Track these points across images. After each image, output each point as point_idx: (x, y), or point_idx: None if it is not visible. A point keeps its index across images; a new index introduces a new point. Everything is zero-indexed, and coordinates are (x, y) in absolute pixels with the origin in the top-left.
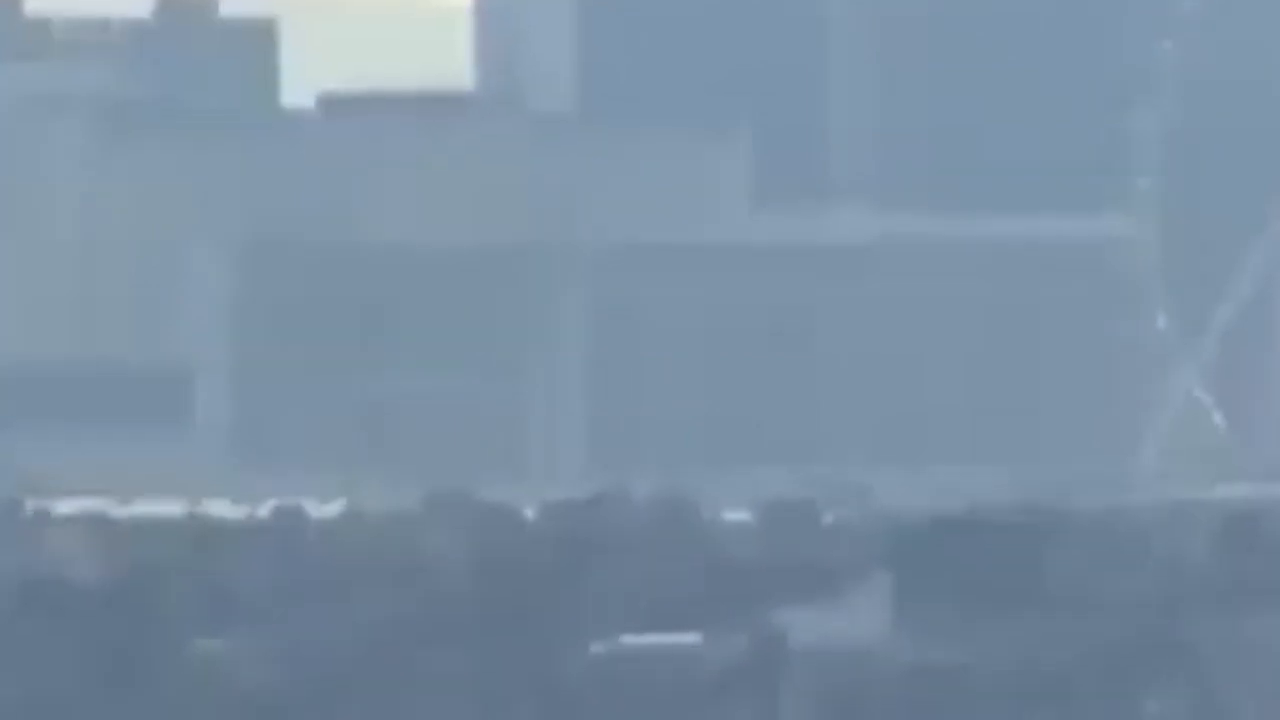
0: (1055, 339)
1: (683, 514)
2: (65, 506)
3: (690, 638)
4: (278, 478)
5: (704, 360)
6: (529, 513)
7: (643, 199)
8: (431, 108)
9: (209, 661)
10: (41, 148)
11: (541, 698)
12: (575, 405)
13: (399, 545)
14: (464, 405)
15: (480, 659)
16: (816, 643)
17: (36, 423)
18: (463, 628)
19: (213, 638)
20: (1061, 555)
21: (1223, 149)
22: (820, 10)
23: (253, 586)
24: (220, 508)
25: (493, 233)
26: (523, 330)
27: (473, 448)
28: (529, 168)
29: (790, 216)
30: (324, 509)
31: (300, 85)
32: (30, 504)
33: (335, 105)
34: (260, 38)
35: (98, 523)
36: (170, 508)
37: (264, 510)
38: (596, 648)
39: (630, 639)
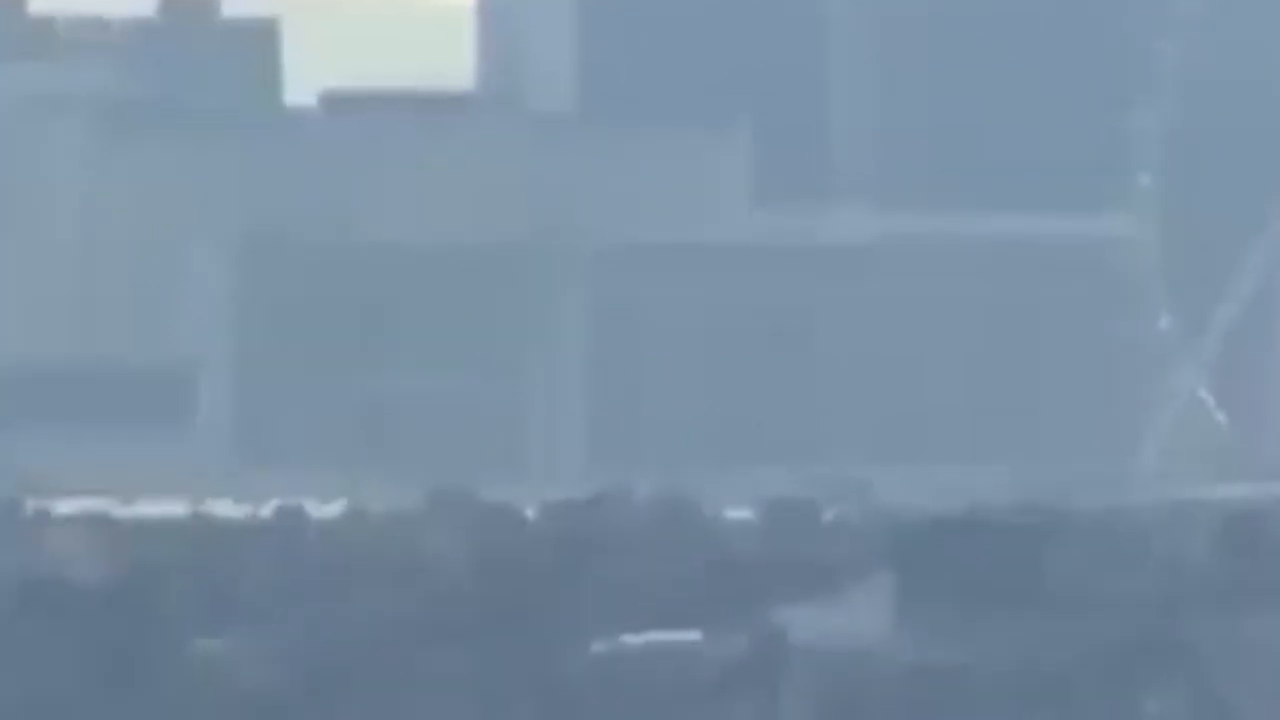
0: (1056, 339)
1: (683, 513)
2: (66, 506)
3: (691, 636)
4: (278, 477)
5: (704, 360)
6: (529, 512)
7: (643, 198)
8: (433, 107)
9: (210, 661)
10: (43, 147)
11: (542, 697)
12: (575, 404)
13: (400, 545)
14: (465, 404)
15: (481, 658)
16: (817, 641)
17: (37, 422)
18: (463, 627)
19: (214, 638)
20: (1062, 555)
21: (1223, 148)
22: (820, 10)
23: (254, 586)
24: (221, 507)
25: (494, 232)
26: (523, 329)
27: (473, 447)
28: (530, 167)
29: (790, 216)
30: (325, 509)
31: (302, 85)
32: (30, 504)
33: (336, 104)
34: (262, 37)
35: (98, 523)
36: (171, 508)
37: (265, 510)
38: (597, 646)
39: (631, 638)
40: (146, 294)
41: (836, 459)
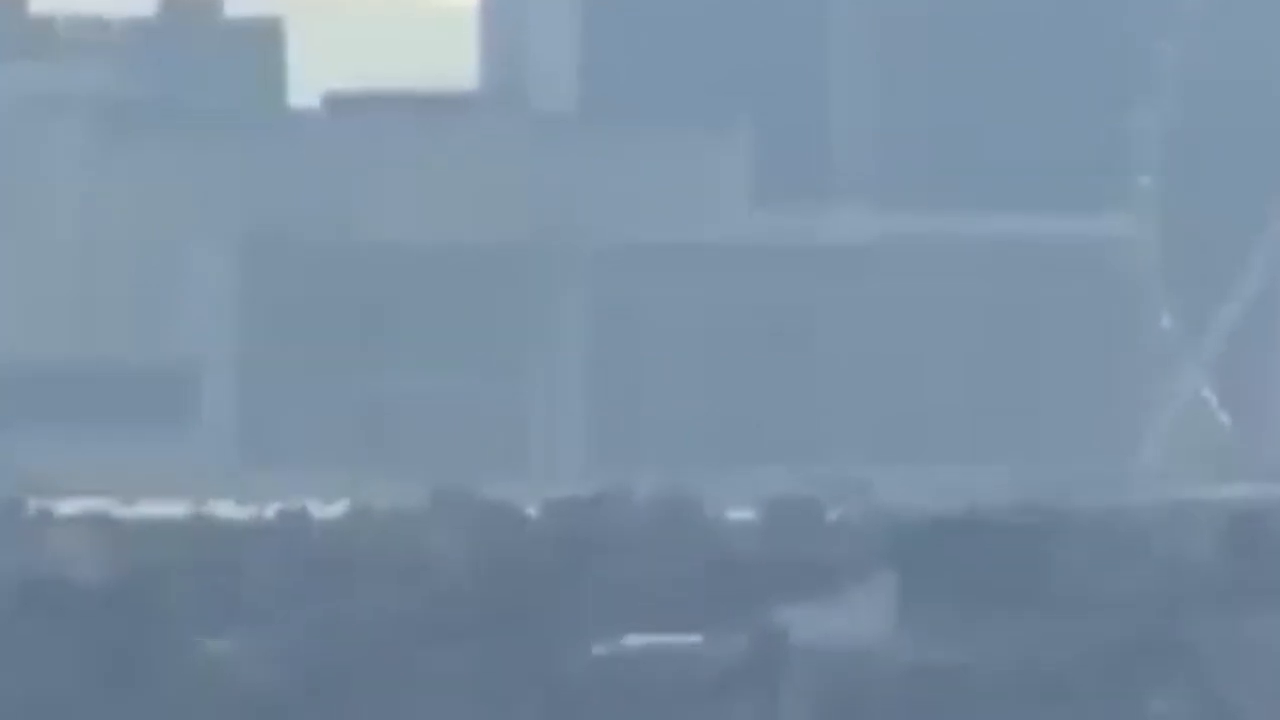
0: (1056, 338)
1: (684, 513)
2: (67, 507)
3: (691, 637)
4: (280, 477)
5: (704, 359)
6: (530, 511)
7: (643, 198)
8: (435, 107)
9: (212, 662)
10: (45, 147)
11: (543, 696)
12: (576, 404)
13: (402, 544)
14: (466, 404)
15: (482, 658)
16: (818, 641)
17: (38, 422)
18: (464, 627)
19: (216, 638)
20: (1063, 555)
21: (1223, 148)
22: (821, 10)
23: (256, 587)
24: (223, 508)
25: (494, 231)
26: (524, 329)
27: (474, 447)
28: (531, 167)
29: (790, 216)
30: (327, 509)
31: (305, 85)
32: (32, 504)
33: (340, 104)
34: (264, 37)
35: (100, 523)
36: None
37: (268, 510)
38: (598, 646)
39: (631, 638)
40: (148, 294)
41: (837, 459)
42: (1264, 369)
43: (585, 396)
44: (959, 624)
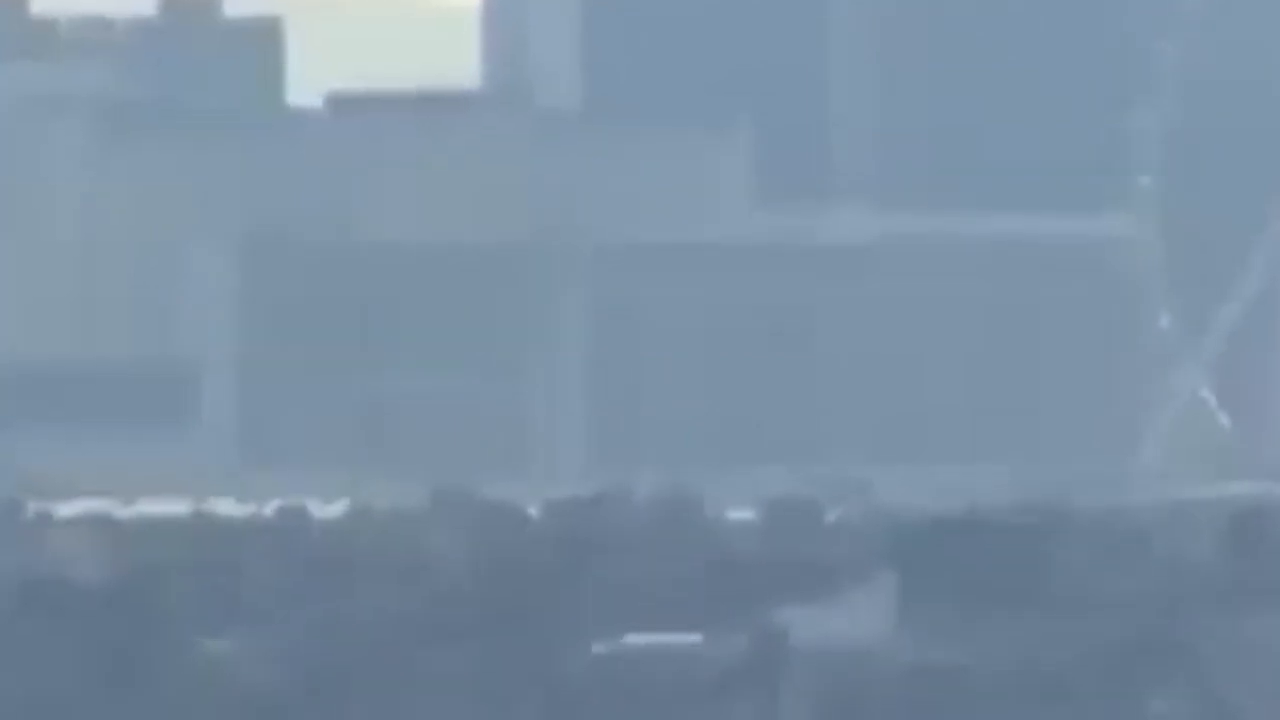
0: (1056, 338)
1: (684, 512)
2: (67, 507)
3: (691, 636)
4: (280, 477)
5: (705, 359)
6: (531, 511)
7: (644, 198)
8: (436, 106)
9: (213, 661)
10: (45, 147)
11: (543, 696)
12: (576, 404)
13: (402, 544)
14: (466, 404)
15: (482, 657)
16: (817, 642)
17: (38, 423)
18: (465, 626)
19: (216, 638)
20: (1063, 555)
21: (1223, 148)
22: (821, 10)
23: (256, 586)
24: (224, 507)
25: (496, 231)
26: (525, 328)
27: (475, 446)
28: (533, 166)
29: (791, 215)
30: (327, 508)
31: (305, 84)
32: (32, 504)
33: (341, 104)
34: (265, 37)
35: (100, 523)
36: (173, 508)
37: (268, 510)
38: (598, 646)
39: (631, 637)
40: (148, 294)
41: (837, 459)
42: (1264, 369)
43: (585, 396)
44: (959, 624)
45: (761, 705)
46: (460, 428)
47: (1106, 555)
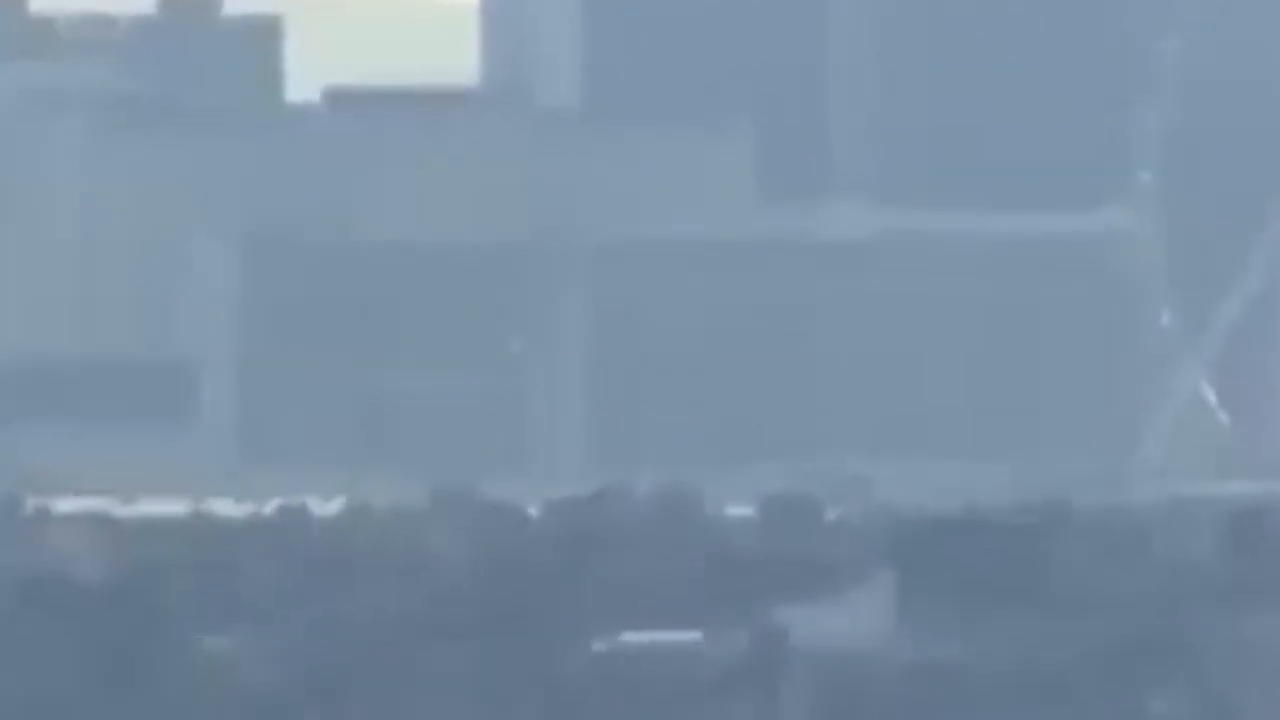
0: (1056, 335)
1: (684, 510)
2: (66, 505)
3: (691, 635)
4: (280, 475)
5: (705, 356)
6: (531, 509)
7: (644, 195)
8: (436, 104)
9: (212, 660)
10: (45, 144)
11: (543, 694)
12: (576, 401)
13: (402, 542)
14: (466, 402)
15: (482, 656)
16: (817, 640)
17: (38, 420)
18: (464, 625)
19: (216, 636)
20: (1063, 553)
21: (1223, 147)
22: (821, 7)
23: (256, 585)
24: (223, 505)
25: (496, 229)
26: (525, 326)
27: (475, 444)
28: (533, 164)
29: (791, 213)
30: (327, 506)
31: (305, 82)
32: (31, 502)
33: (340, 101)
34: (264, 34)
35: (99, 521)
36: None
37: (267, 508)
38: (597, 644)
39: (631, 635)
40: (148, 291)
41: (837, 456)
42: (1264, 367)
43: (585, 394)
44: (958, 622)
45: (761, 703)
46: (460, 426)
47: (1106, 553)
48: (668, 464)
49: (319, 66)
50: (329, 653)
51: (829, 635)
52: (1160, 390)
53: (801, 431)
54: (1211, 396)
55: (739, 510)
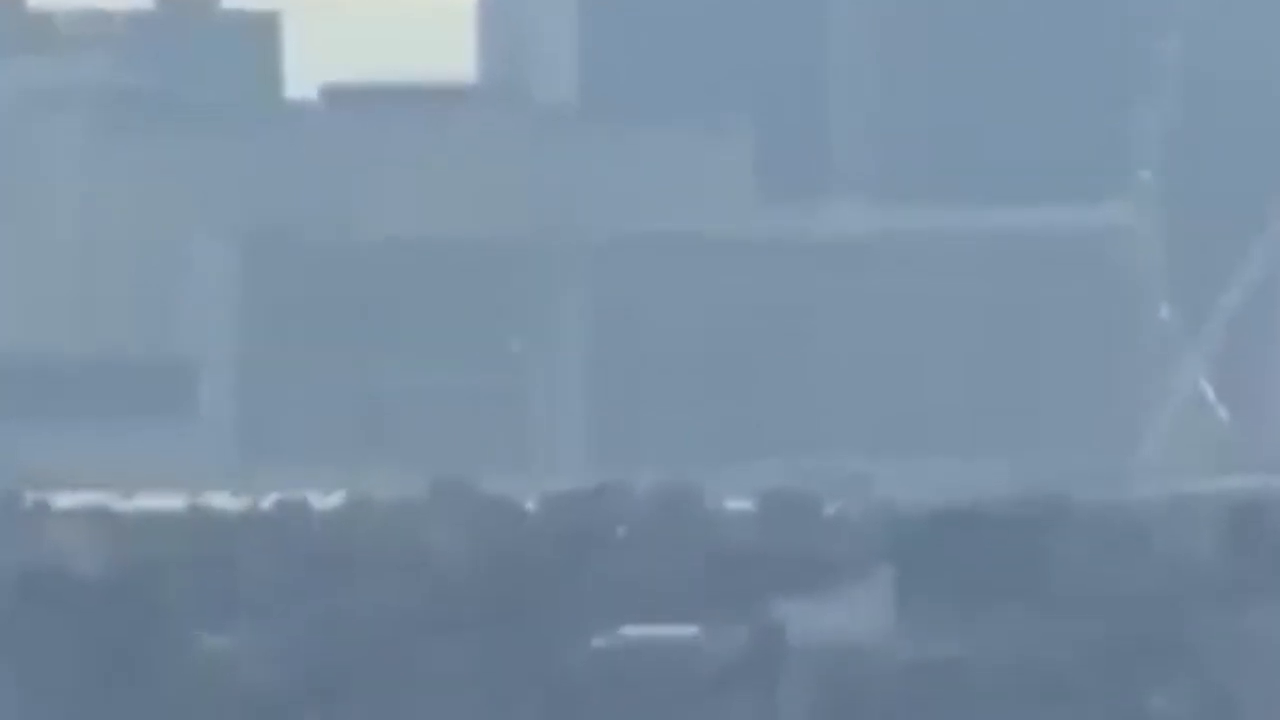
0: (1057, 331)
1: (684, 506)
2: (65, 500)
3: (690, 630)
4: (280, 472)
5: (704, 353)
6: (530, 505)
7: (644, 192)
8: (434, 100)
9: (212, 655)
10: (44, 141)
11: (542, 689)
12: (576, 398)
13: (401, 538)
14: (466, 399)
15: (481, 650)
16: (816, 636)
17: (38, 417)
18: (464, 620)
19: (215, 632)
20: (1062, 549)
21: (1223, 144)
22: (821, 5)
23: (255, 580)
24: (222, 500)
25: (496, 226)
26: (525, 323)
27: (474, 441)
28: (532, 161)
29: (791, 210)
30: (327, 502)
31: (303, 78)
32: (30, 497)
33: (338, 98)
34: (262, 30)
35: (98, 516)
36: (172, 501)
37: (267, 503)
38: (597, 639)
39: (630, 630)
40: (148, 288)
41: (836, 453)
42: (1263, 362)
43: (585, 391)
44: (957, 618)
45: (760, 699)
46: (460, 423)
47: (1106, 550)
48: (667, 461)
49: (317, 63)
50: (328, 648)
51: (828, 631)
52: (1160, 387)
53: (801, 428)
54: (1211, 392)
55: (738, 506)
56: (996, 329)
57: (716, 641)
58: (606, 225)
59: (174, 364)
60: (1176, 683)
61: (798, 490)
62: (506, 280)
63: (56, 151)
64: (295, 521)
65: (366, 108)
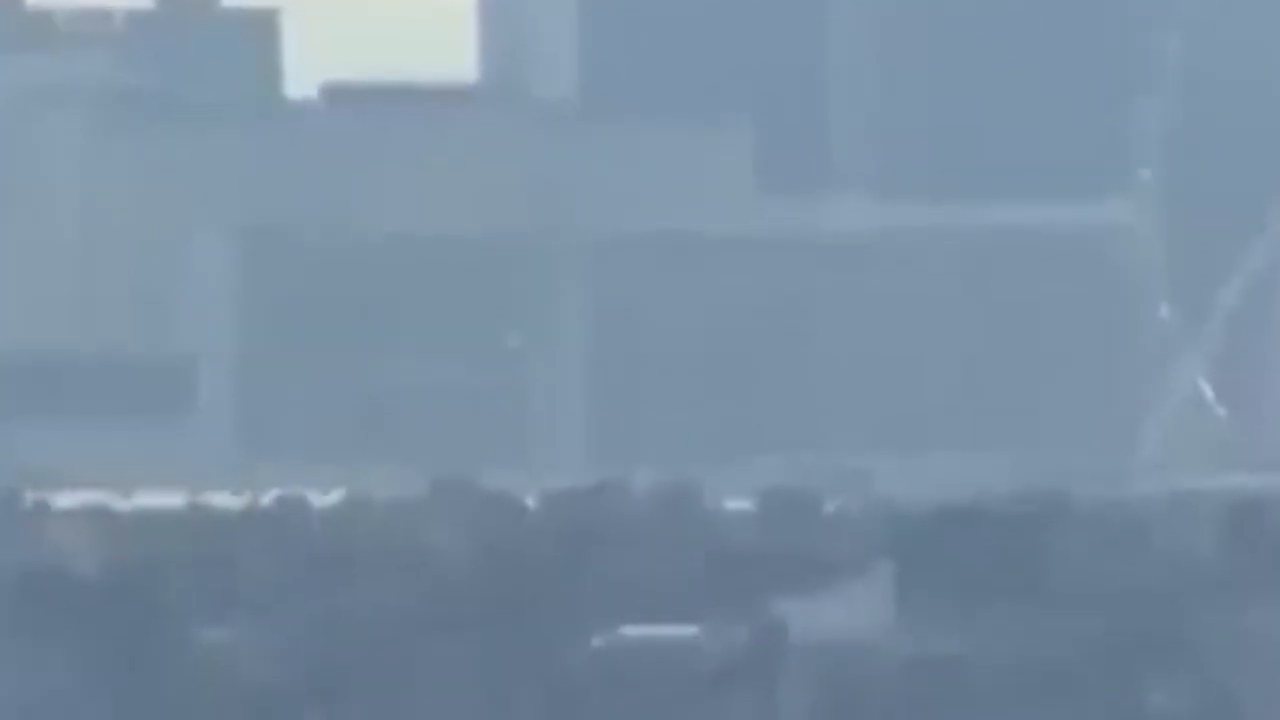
0: (1056, 329)
1: (684, 504)
2: (65, 499)
3: (690, 629)
4: (280, 468)
5: (705, 350)
6: (529, 501)
7: (644, 190)
8: (435, 99)
9: (211, 653)
10: (44, 139)
11: (542, 687)
12: (576, 394)
13: (401, 535)
14: (466, 396)
15: (481, 648)
16: (816, 633)
17: (37, 415)
18: (463, 617)
19: (214, 629)
20: (1062, 545)
21: (1223, 141)
22: (821, 2)
23: (254, 578)
24: (222, 498)
25: (496, 223)
26: (524, 320)
27: (474, 437)
28: (532, 159)
29: (791, 207)
30: (326, 499)
31: (303, 76)
32: (29, 496)
33: (338, 96)
34: (262, 28)
35: (98, 515)
36: (171, 499)
37: (266, 500)
38: (596, 638)
39: (630, 629)
40: (147, 285)
41: (836, 449)
42: (1262, 361)
43: (585, 388)
44: (957, 615)
45: (760, 697)
46: (460, 420)
47: (1106, 547)
48: (667, 458)
49: (317, 62)
50: (328, 645)
51: (828, 628)
52: (1159, 385)
53: (801, 425)
54: (1210, 391)
55: (738, 504)
56: (996, 327)
57: (716, 639)
58: (606, 223)
59: (173, 362)
60: (1176, 679)
61: (797, 488)
62: (506, 277)
63: (56, 149)
64: (295, 519)
65: (366, 106)
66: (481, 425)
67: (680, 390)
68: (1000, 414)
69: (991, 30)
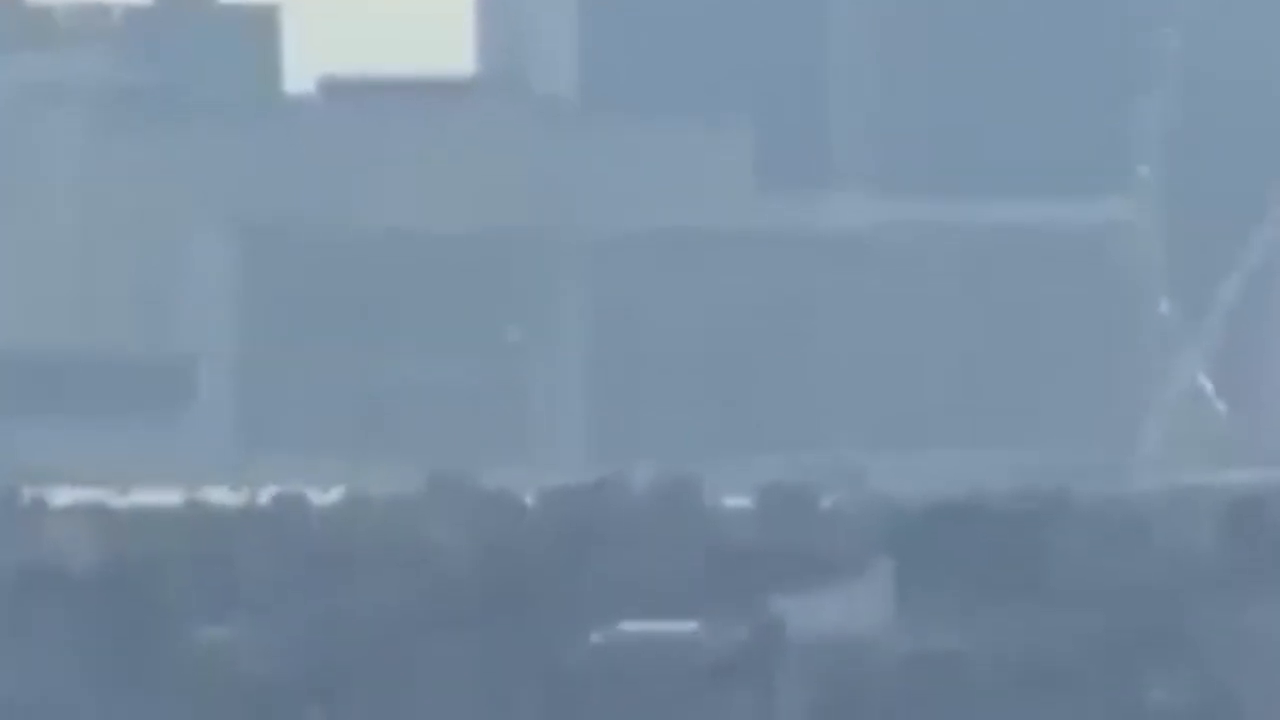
0: (1056, 326)
1: (683, 500)
2: (63, 496)
3: (688, 625)
4: (279, 466)
5: (704, 348)
6: (529, 499)
7: (644, 187)
8: (434, 93)
9: (210, 651)
10: (43, 136)
11: (540, 684)
12: (575, 391)
13: (400, 532)
14: (465, 392)
15: (480, 645)
16: (815, 630)
17: (36, 413)
18: (462, 614)
19: (213, 626)
20: (1062, 542)
21: (1223, 139)
22: (821, 1)
23: (253, 575)
24: (220, 495)
25: (495, 218)
26: (524, 316)
27: (473, 435)
28: (532, 155)
29: (791, 204)
30: (325, 496)
31: (302, 72)
32: (27, 493)
33: (337, 91)
34: (261, 24)
35: (96, 512)
36: (170, 496)
37: (265, 497)
38: (595, 634)
39: (629, 625)
40: (146, 283)
41: (836, 446)
42: (1262, 357)
43: (584, 385)
44: (956, 612)
45: (758, 694)
46: (459, 417)
47: (1105, 543)
48: (666, 455)
49: (317, 57)
50: (327, 643)
51: (827, 625)
52: (1159, 381)
53: (800, 423)
54: (1210, 387)
55: (737, 501)
56: (995, 323)
57: (715, 636)
58: (606, 220)
59: (173, 358)
60: (1176, 676)
61: (797, 485)
62: (506, 274)
63: (55, 147)
64: (293, 516)
65: (366, 101)
66: (481, 422)
67: (679, 387)
68: (1000, 411)
69: (991, 29)
